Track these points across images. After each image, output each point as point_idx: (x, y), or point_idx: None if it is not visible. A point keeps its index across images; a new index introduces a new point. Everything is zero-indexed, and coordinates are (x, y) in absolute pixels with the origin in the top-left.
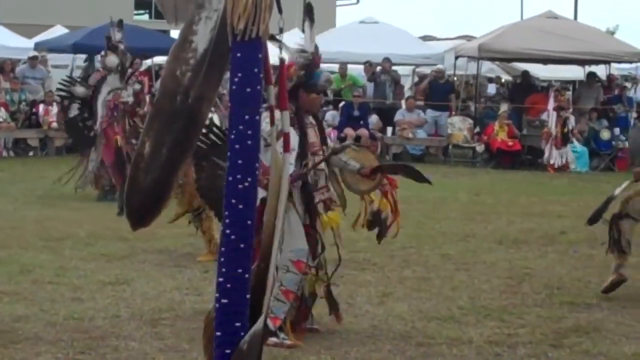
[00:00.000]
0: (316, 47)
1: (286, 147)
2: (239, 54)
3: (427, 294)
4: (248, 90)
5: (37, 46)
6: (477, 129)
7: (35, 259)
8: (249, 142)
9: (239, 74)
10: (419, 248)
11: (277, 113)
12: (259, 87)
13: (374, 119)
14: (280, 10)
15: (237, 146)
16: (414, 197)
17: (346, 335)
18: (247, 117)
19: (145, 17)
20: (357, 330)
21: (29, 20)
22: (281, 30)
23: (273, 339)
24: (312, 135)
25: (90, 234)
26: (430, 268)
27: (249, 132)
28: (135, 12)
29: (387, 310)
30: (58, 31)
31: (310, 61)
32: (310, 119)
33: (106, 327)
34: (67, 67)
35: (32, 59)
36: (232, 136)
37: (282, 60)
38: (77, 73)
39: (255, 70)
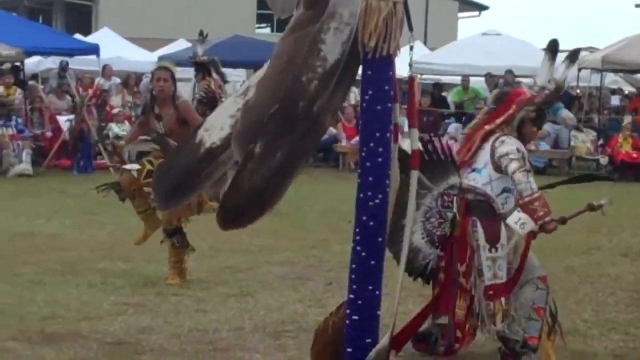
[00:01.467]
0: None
1: (414, 164)
2: (369, 72)
3: None
4: (378, 107)
5: (161, 60)
6: (601, 141)
7: (159, 271)
8: (380, 160)
9: (370, 92)
10: (543, 260)
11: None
12: (389, 105)
13: None
14: (410, 28)
15: (367, 163)
16: None
17: (470, 347)
18: (377, 134)
19: (267, 30)
20: (482, 344)
21: (152, 35)
22: (411, 48)
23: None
24: None
25: (212, 246)
26: (554, 280)
27: (380, 149)
28: (257, 25)
29: None
30: (181, 45)
31: (553, 95)
32: None
33: (230, 339)
34: (190, 80)
35: None
36: (363, 153)
37: (411, 78)
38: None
39: (386, 87)
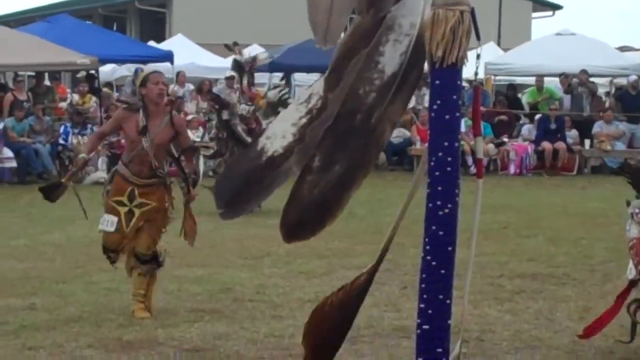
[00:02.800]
0: None
1: (479, 174)
2: (437, 81)
3: None
4: (447, 117)
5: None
6: None
7: (236, 277)
8: (449, 169)
9: (438, 101)
10: (620, 262)
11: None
12: (457, 114)
13: (573, 133)
14: (478, 36)
15: (437, 173)
16: (613, 210)
17: (547, 351)
18: (446, 143)
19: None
20: (558, 346)
21: (225, 40)
22: (478, 57)
23: None
24: None
25: (288, 251)
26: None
27: (449, 158)
28: None
29: None
30: (254, 50)
31: None
32: None
33: None
34: (265, 85)
35: (229, 79)
36: (432, 163)
37: (476, 87)
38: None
39: (454, 97)
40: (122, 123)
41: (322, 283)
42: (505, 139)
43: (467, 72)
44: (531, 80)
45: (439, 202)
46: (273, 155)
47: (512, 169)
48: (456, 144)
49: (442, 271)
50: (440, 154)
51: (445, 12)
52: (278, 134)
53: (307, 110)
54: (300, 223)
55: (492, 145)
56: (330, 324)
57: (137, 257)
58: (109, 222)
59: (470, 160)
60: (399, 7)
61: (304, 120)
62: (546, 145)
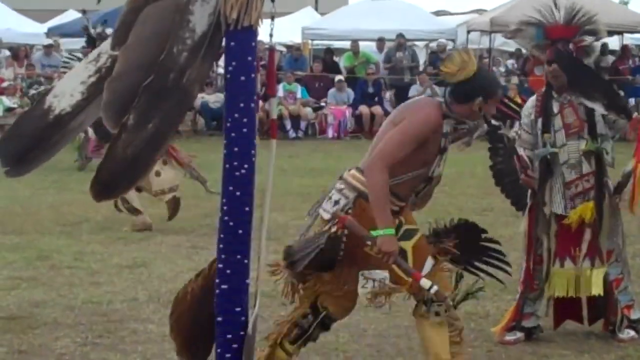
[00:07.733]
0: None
1: (273, 134)
2: (232, 43)
3: None
4: (242, 78)
5: (50, 31)
6: None
7: (53, 244)
8: (245, 130)
9: (234, 63)
10: None
11: None
12: (253, 75)
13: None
14: None
15: (233, 134)
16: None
17: (364, 312)
18: (242, 104)
19: None
20: (375, 308)
21: (42, 6)
22: (273, 18)
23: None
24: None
25: (106, 217)
26: None
27: (245, 119)
28: None
29: None
30: (71, 15)
31: None
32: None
33: (124, 310)
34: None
35: (48, 47)
36: (228, 124)
37: (271, 49)
38: None
39: (249, 58)
40: None
41: (140, 248)
42: (323, 103)
43: (285, 35)
44: (349, 44)
45: (235, 163)
46: (60, 113)
47: (330, 132)
48: (252, 105)
49: (240, 231)
50: (236, 115)
51: None
52: (66, 92)
53: (96, 69)
54: (112, 181)
55: (309, 109)
56: (196, 313)
57: None
58: None
59: (288, 124)
60: None
61: (92, 79)
62: (364, 109)
